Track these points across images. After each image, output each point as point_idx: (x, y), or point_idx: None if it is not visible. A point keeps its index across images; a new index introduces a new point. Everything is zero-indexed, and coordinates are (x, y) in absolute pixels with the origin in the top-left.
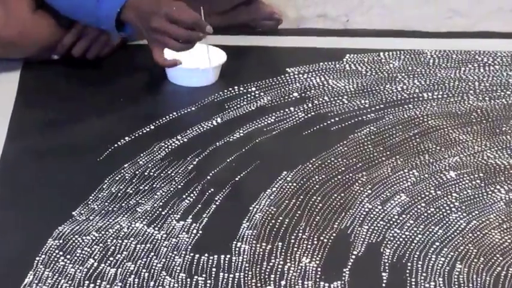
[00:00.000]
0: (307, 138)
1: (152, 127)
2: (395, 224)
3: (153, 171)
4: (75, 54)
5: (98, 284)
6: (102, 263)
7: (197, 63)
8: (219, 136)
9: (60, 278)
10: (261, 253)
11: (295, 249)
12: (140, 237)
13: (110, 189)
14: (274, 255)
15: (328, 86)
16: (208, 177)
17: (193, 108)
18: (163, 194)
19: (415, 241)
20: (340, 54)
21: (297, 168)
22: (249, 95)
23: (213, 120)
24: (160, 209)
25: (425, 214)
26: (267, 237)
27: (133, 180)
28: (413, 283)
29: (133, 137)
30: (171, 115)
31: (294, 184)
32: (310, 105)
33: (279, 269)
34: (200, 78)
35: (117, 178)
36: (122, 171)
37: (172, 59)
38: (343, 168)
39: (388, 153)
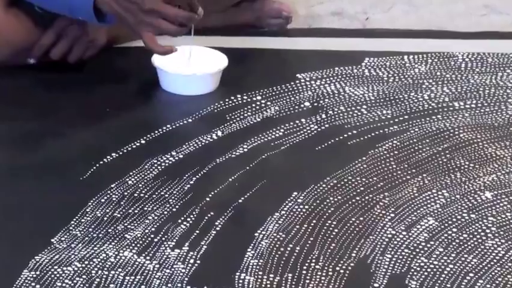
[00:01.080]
0: (320, 154)
1: (143, 141)
2: (422, 252)
3: (144, 192)
4: (54, 57)
5: None
6: None
7: (194, 69)
8: (219, 152)
9: None
10: (269, 286)
11: (308, 281)
12: (129, 268)
13: (95, 212)
14: None
15: (345, 94)
16: (208, 199)
17: (189, 120)
18: (156, 218)
19: (445, 272)
20: (358, 58)
21: (309, 189)
22: (253, 105)
23: (212, 134)
24: (152, 236)
25: (457, 241)
26: (275, 267)
27: (122, 203)
28: None
29: (121, 153)
30: (164, 128)
31: (306, 207)
32: (323, 116)
33: None
34: (198, 85)
35: (102, 200)
36: (109, 192)
37: (168, 46)
38: (362, 189)
39: (413, 171)
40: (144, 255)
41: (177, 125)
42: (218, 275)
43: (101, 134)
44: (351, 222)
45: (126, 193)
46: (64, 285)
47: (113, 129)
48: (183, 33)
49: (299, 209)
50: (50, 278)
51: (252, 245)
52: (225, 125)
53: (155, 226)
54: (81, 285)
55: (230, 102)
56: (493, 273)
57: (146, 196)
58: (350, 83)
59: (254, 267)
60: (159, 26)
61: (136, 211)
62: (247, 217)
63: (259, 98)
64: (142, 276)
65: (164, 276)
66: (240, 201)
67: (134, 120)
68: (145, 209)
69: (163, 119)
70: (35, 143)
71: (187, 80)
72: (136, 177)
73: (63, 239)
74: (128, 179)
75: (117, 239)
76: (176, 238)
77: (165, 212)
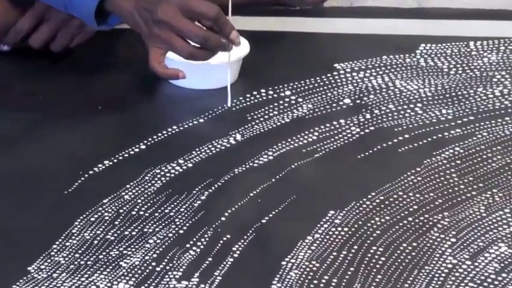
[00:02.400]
0: (363, 164)
1: (143, 146)
2: (491, 286)
3: (144, 209)
4: (35, 45)
5: None
6: None
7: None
8: (238, 160)
9: None
10: None
11: None
12: None
13: (83, 234)
14: None
15: (395, 89)
16: (223, 219)
17: (201, 120)
18: (159, 241)
19: None
20: (411, 44)
21: (350, 207)
22: (281, 102)
23: (229, 138)
24: (154, 264)
25: None
26: None
27: (116, 222)
28: None
29: (115, 161)
30: (169, 130)
31: (345, 229)
32: (368, 116)
33: None
34: (212, 77)
35: (92, 219)
36: (100, 209)
37: (175, 69)
38: (415, 207)
39: (480, 185)
40: (144, 287)
41: (186, 126)
42: None
43: (90, 137)
44: (401, 248)
45: (121, 210)
46: None
47: (106, 131)
48: (199, 58)
49: (337, 232)
50: None
51: (278, 276)
52: (246, 126)
53: (158, 252)
54: None
55: (252, 98)
56: None
57: (147, 214)
58: (401, 75)
59: None
60: (169, 42)
61: (134, 233)
62: (273, 241)
63: (288, 93)
64: None
65: None
66: (263, 221)
67: (132, 120)
68: (146, 230)
69: (168, 119)
70: (8, 148)
71: (198, 71)
72: (134, 191)
73: (42, 267)
74: (124, 193)
75: (110, 267)
76: (184, 267)
77: (170, 235)
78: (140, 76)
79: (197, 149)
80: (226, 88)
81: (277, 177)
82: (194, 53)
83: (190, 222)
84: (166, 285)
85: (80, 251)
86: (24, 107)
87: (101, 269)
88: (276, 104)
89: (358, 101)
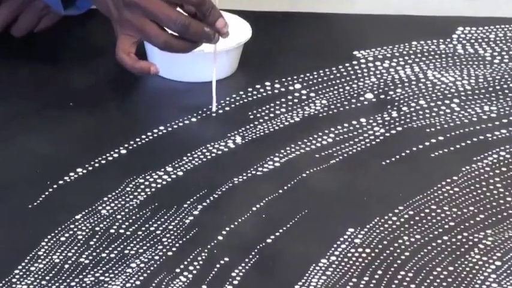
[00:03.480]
0: (389, 172)
1: (123, 151)
2: None
3: (124, 226)
4: None
5: None
6: None
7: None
8: (238, 167)
9: None
10: None
11: None
12: None
13: (51, 257)
14: None
15: (426, 81)
16: (220, 238)
17: (193, 120)
18: (143, 266)
19: None
20: (447, 27)
21: (372, 223)
22: (290, 97)
23: (228, 140)
24: None
25: None
26: None
27: (91, 243)
28: None
29: (90, 168)
30: (155, 131)
31: (368, 250)
32: (394, 114)
33: None
34: (206, 68)
35: (62, 238)
36: (72, 226)
37: (146, 62)
38: (452, 224)
39: None
40: None
41: (175, 126)
42: None
43: (60, 139)
44: (434, 274)
45: (98, 228)
46: None
47: (79, 133)
48: (176, 50)
49: (357, 254)
50: None
51: None
52: (247, 127)
53: (141, 278)
54: None
55: (255, 92)
56: None
57: (128, 233)
58: (434, 64)
59: None
60: (141, 28)
61: (113, 255)
62: (280, 265)
63: (298, 86)
64: None
65: None
66: (268, 241)
67: (110, 119)
68: (127, 252)
69: (153, 118)
70: None
71: (190, 60)
72: (113, 205)
73: None
74: (100, 207)
75: None
76: None
77: (157, 257)
78: (119, 67)
79: (189, 154)
80: (224, 81)
81: (286, 187)
82: (171, 42)
83: (180, 242)
84: None
85: (47, 277)
86: None
87: None
88: (283, 100)
89: (382, 96)
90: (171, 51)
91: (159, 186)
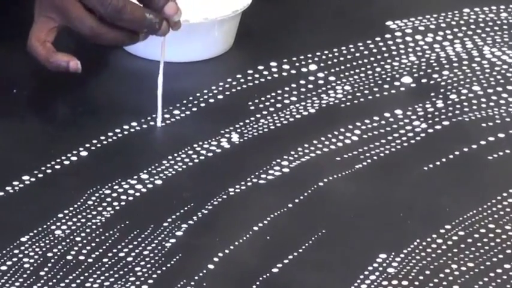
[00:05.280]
0: (433, 180)
1: (84, 153)
2: None
3: (85, 251)
4: None
5: None
6: None
7: (186, 12)
8: (235, 173)
9: None
10: None
11: None
12: None
13: None
14: None
15: (482, 61)
16: (211, 267)
17: (176, 112)
18: None
19: None
20: None
21: (411, 247)
22: (302, 82)
23: (222, 139)
24: None
25: None
26: None
27: (42, 273)
28: None
29: (41, 176)
30: (126, 127)
31: (405, 282)
32: (439, 104)
33: None
34: (193, 44)
35: (3, 268)
36: (16, 251)
37: (67, 56)
38: None
39: None
40: None
41: (152, 122)
42: None
43: (2, 140)
44: None
45: (50, 254)
46: None
47: (27, 131)
48: (115, 40)
49: (391, 287)
50: None
51: None
52: (247, 121)
53: None
54: None
55: (257, 76)
56: None
57: (90, 260)
58: (493, 39)
59: None
60: (63, 10)
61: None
62: None
63: (313, 68)
64: None
65: None
66: (274, 270)
67: (67, 113)
68: (89, 285)
69: (124, 110)
70: None
71: (174, 35)
72: (70, 223)
73: None
74: (54, 227)
75: None
76: None
77: None
78: (80, 45)
79: (170, 157)
80: (214, 60)
81: (297, 200)
82: (99, 30)
83: (159, 272)
84: None
85: None
86: None
87: None
88: (294, 86)
89: (423, 80)
90: (99, 42)
91: (130, 199)
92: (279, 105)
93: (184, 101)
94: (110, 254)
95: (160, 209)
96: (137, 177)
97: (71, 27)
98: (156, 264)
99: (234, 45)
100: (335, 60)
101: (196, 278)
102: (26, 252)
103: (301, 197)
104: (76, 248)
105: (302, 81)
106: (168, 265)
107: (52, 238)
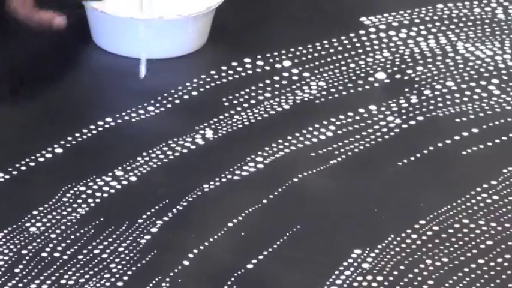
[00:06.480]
0: (407, 176)
1: (59, 150)
2: None
3: (60, 249)
4: None
5: None
6: None
7: (158, 9)
8: (209, 169)
9: None
10: None
11: None
12: None
13: None
14: None
15: (456, 56)
16: (186, 263)
17: (150, 108)
18: None
19: None
20: None
21: (385, 243)
22: (276, 78)
23: (196, 135)
24: None
25: None
26: None
27: (17, 270)
28: None
29: (15, 173)
30: (100, 123)
31: (379, 278)
32: (413, 100)
33: None
34: (167, 40)
35: None
36: None
37: (50, 13)
38: (490, 243)
39: None
40: None
41: (126, 118)
42: None
43: None
44: None
45: (25, 251)
46: None
47: None
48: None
49: (365, 283)
50: None
51: None
52: (221, 117)
53: None
54: None
55: (231, 72)
56: None
57: (65, 257)
58: (466, 34)
59: None
60: None
61: (45, 286)
62: None
63: (287, 64)
64: None
65: None
66: (249, 267)
67: (41, 108)
68: (64, 282)
69: (98, 107)
70: None
71: (146, 31)
72: (45, 220)
73: None
74: (28, 224)
75: None
76: None
77: None
78: (51, 38)
79: (144, 154)
80: (188, 57)
81: (271, 196)
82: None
83: (134, 268)
84: None
85: None
86: None
87: None
88: (268, 82)
89: (397, 76)
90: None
91: (105, 195)
92: (253, 101)
93: (159, 98)
94: (84, 251)
95: (135, 206)
96: (112, 174)
97: None
98: (131, 261)
99: (207, 42)
100: (309, 56)
101: (171, 274)
102: (1, 249)
103: (276, 193)
104: (51, 245)
105: (276, 78)
106: (143, 262)
107: (27, 235)
